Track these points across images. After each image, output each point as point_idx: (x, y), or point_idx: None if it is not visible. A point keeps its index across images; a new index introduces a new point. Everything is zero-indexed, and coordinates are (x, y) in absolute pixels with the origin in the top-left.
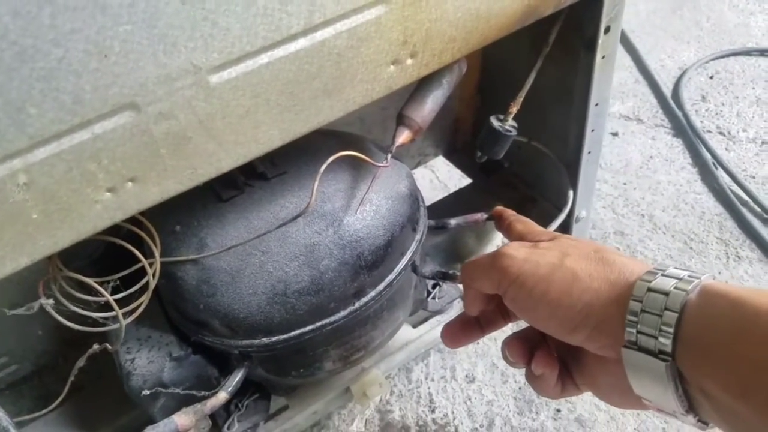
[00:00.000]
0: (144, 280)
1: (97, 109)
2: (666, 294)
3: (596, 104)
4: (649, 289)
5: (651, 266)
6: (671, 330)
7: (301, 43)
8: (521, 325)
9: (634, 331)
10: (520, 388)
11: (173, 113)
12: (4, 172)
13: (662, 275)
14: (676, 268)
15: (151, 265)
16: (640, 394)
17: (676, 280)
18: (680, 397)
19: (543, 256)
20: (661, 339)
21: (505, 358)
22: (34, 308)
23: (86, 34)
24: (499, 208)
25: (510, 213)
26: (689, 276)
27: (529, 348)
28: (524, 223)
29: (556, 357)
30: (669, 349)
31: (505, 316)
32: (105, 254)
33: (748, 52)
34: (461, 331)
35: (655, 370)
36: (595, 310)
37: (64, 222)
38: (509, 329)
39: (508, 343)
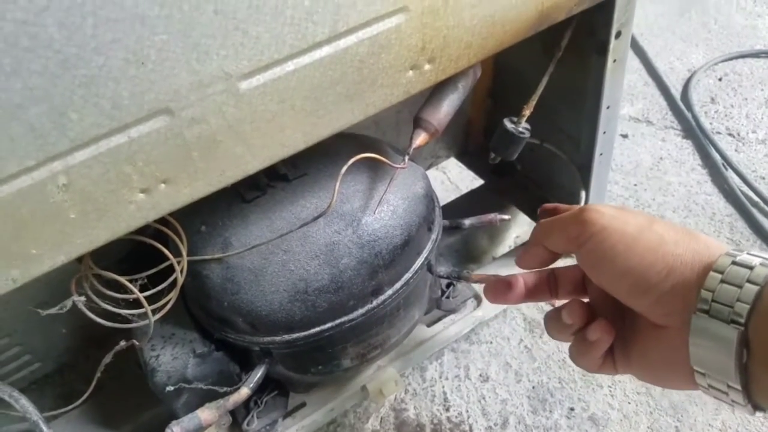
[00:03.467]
0: (172, 278)
1: (133, 114)
2: (750, 268)
3: (608, 107)
4: (734, 263)
5: (732, 247)
6: (749, 301)
7: (326, 50)
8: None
9: (709, 299)
10: (533, 387)
11: (205, 118)
12: (45, 174)
13: (747, 253)
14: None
15: (178, 263)
16: (696, 365)
17: (762, 258)
18: (741, 368)
19: (633, 216)
20: (737, 308)
21: (556, 320)
22: (67, 306)
23: (125, 44)
24: (550, 204)
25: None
26: None
27: (586, 313)
28: None
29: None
30: (743, 319)
31: (553, 291)
32: (130, 253)
33: (756, 54)
34: (506, 288)
35: (724, 337)
36: (675, 274)
37: (100, 221)
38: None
39: (569, 303)
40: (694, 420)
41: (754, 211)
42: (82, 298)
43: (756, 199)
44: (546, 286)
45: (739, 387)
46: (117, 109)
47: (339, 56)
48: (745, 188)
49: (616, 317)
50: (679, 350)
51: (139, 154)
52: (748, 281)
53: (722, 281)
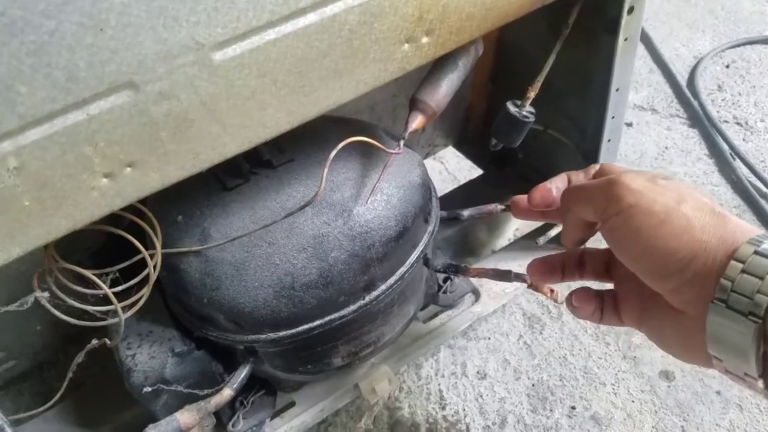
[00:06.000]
0: (144, 273)
1: (92, 88)
2: None
3: (617, 90)
4: (756, 252)
5: (761, 231)
6: None
7: (311, 18)
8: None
9: (728, 288)
10: (533, 385)
11: (174, 93)
12: None
13: None
14: None
15: (152, 256)
16: (713, 352)
17: None
18: (759, 359)
19: (661, 194)
20: (757, 300)
21: (569, 304)
22: (28, 303)
23: (80, 6)
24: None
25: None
26: None
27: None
28: None
29: (594, 296)
30: (762, 311)
31: (582, 270)
32: (105, 246)
33: (765, 40)
34: (548, 268)
35: (741, 330)
36: (697, 261)
37: (59, 210)
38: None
39: (576, 290)
40: (701, 419)
41: (763, 202)
42: (46, 294)
43: (764, 189)
44: (575, 266)
45: (756, 375)
46: (73, 81)
47: (326, 25)
48: (753, 178)
49: (637, 301)
50: (697, 335)
51: (101, 133)
52: None
53: (743, 271)
